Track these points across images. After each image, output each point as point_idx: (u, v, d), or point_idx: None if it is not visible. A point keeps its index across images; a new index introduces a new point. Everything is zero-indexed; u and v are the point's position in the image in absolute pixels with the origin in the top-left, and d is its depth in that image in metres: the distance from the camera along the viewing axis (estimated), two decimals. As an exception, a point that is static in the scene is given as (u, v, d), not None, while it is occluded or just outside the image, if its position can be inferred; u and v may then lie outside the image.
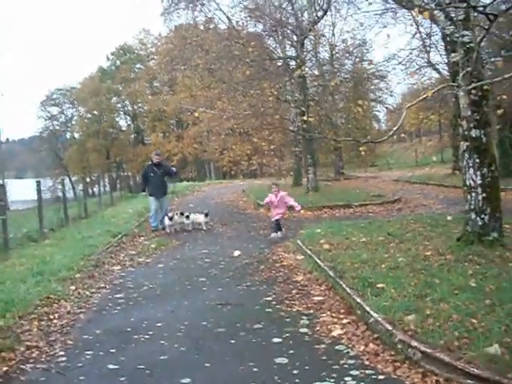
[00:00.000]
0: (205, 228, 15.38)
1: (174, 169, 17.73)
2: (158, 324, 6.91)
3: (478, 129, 8.61)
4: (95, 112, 64.61)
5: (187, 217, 15.36)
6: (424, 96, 7.59)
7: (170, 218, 15.07)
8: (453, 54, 8.96)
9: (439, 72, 25.91)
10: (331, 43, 33.47)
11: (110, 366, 5.54)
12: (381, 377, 4.91)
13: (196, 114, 17.40)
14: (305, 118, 15.80)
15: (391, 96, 40.65)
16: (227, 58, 21.26)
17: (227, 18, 23.16)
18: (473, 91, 8.34)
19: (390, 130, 11.45)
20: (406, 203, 19.03)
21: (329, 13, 26.98)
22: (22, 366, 5.66)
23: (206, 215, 15.66)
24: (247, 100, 21.33)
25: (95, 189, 52.72)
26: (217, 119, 24.13)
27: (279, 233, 13.26)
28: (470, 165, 8.73)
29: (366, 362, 5.27)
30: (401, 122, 7.84)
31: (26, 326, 6.85)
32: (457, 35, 8.62)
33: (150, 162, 16.02)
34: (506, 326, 5.13)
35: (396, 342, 5.31)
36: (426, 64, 24.70)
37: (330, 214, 17.25)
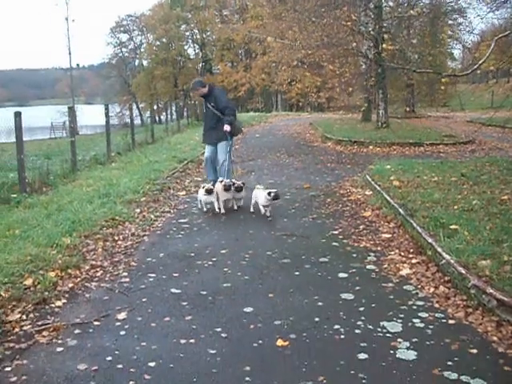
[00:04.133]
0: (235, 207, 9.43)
1: (228, 104, 10.35)
2: (222, 251, 6.88)
3: None
4: (164, 39, 64.47)
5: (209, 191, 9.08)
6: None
7: (208, 191, 9.07)
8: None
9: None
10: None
11: (173, 290, 5.54)
12: (451, 321, 4.69)
13: (268, 39, 16.80)
14: (384, 45, 14.87)
15: (471, 33, 38.48)
16: (300, -16, 20.46)
17: None
18: None
19: (466, 68, 10.83)
20: (480, 145, 18.27)
21: None
22: (86, 284, 5.77)
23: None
24: (319, 30, 20.59)
25: (162, 116, 53.36)
26: (287, 49, 23.55)
27: None
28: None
29: (436, 305, 5.04)
30: (489, 53, 7.33)
31: (92, 245, 6.97)
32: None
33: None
34: None
35: (469, 287, 5.04)
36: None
37: (400, 151, 16.73)
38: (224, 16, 66.87)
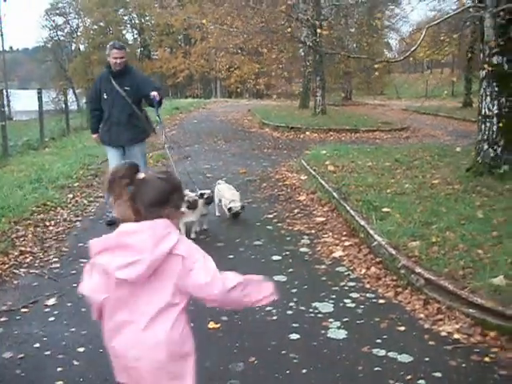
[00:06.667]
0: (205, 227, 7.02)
1: (155, 90, 7.07)
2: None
3: (501, 55, 8.19)
4: (101, 23, 62.98)
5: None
6: (454, 13, 7.18)
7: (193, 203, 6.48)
8: (481, -28, 8.42)
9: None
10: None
11: (104, 275, 5.43)
12: (381, 301, 4.81)
13: (204, 21, 16.59)
14: (318, 31, 14.92)
15: (406, 23, 39.63)
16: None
17: None
18: (500, 13, 7.88)
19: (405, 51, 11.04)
20: (414, 132, 18.76)
21: None
22: (15, 271, 5.62)
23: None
24: (258, 16, 20.58)
25: (99, 102, 52.01)
26: (225, 35, 23.45)
27: None
28: (488, 93, 8.38)
29: (367, 286, 5.16)
30: (420, 41, 7.49)
31: (22, 231, 6.80)
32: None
33: (105, 69, 7.36)
34: (513, 258, 4.97)
35: (399, 268, 5.18)
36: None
37: (336, 137, 16.97)
38: (163, 0, 65.86)
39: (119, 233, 2.25)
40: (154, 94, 6.92)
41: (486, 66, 8.19)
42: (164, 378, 2.28)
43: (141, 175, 2.36)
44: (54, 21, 67.39)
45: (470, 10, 8.94)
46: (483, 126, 8.51)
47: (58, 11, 67.20)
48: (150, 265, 2.18)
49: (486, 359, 3.77)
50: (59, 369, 3.70)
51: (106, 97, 7.12)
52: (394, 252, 5.42)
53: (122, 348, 2.29)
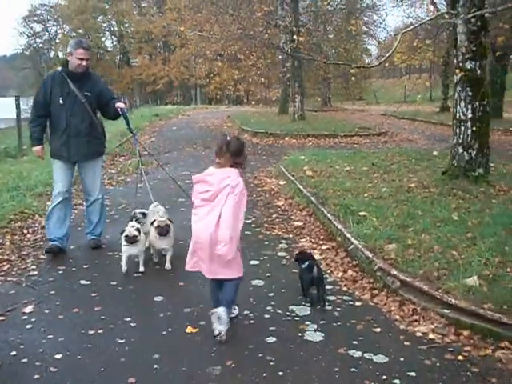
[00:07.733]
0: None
1: (120, 104, 6.40)
2: (134, 242, 6.77)
3: (474, 60, 8.33)
4: (80, 31, 62.59)
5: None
6: (428, 19, 7.30)
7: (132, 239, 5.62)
8: (453, -20, 8.57)
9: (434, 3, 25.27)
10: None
11: (82, 282, 5.46)
12: (358, 303, 4.87)
13: (182, 29, 16.64)
14: (294, 37, 15.02)
15: (384, 29, 40.14)
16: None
17: None
18: (472, 20, 8.03)
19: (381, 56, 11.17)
20: (392, 137, 18.91)
21: None
22: (-9, 279, 5.55)
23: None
24: (236, 23, 20.66)
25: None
26: (204, 41, 23.50)
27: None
28: (462, 98, 8.51)
29: (344, 288, 5.22)
30: (395, 47, 7.58)
31: (-1, 239, 6.72)
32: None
33: (59, 69, 6.24)
34: (486, 260, 5.09)
35: (375, 270, 5.25)
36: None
37: (315, 142, 17.04)
38: (142, 8, 65.75)
39: (205, 173, 4.25)
40: (120, 105, 6.32)
41: (458, 71, 8.32)
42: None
43: (228, 138, 4.25)
44: (32, 28, 66.87)
45: (445, 15, 9.08)
46: (458, 130, 8.64)
47: (36, 18, 66.71)
48: (214, 192, 4.10)
49: (460, 358, 3.85)
50: (36, 376, 3.69)
51: (61, 102, 6.10)
52: (370, 255, 5.49)
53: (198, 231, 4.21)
